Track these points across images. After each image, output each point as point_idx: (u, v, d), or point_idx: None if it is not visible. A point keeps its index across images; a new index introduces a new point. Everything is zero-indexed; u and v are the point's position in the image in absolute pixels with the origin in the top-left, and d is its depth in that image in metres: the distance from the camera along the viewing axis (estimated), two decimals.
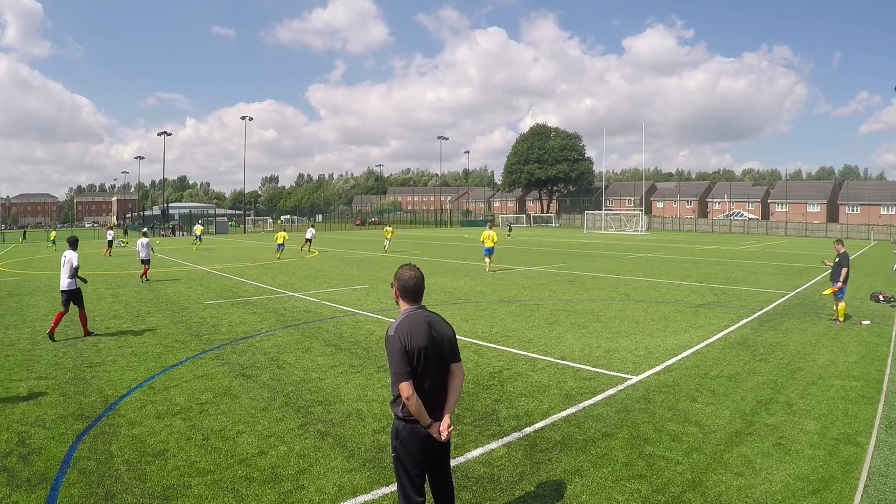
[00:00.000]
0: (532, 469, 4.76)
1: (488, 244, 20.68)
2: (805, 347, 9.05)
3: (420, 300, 3.35)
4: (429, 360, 3.17)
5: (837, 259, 11.37)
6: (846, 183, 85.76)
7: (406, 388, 3.08)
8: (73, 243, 10.32)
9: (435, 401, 3.21)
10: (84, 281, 10.34)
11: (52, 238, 43.01)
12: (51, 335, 9.62)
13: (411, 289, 3.30)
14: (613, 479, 4.56)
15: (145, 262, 18.59)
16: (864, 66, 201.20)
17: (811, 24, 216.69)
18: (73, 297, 9.99)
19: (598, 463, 4.86)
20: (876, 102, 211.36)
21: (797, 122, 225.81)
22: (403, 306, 3.34)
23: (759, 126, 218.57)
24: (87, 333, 10.07)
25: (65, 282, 9.99)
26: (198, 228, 41.52)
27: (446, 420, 3.20)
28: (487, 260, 20.68)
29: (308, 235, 32.17)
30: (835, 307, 11.37)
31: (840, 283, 11.12)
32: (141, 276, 18.23)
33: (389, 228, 32.80)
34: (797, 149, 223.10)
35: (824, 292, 12.38)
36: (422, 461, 3.23)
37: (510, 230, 61.80)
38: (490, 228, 21.56)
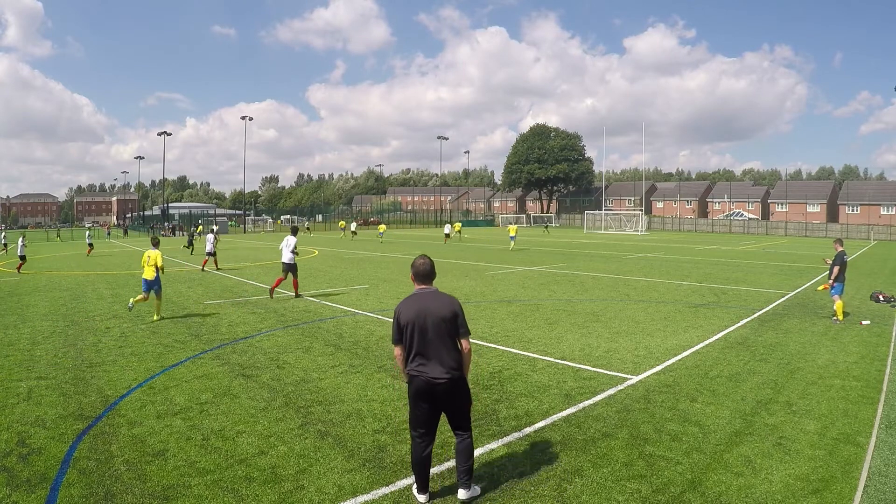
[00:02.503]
0: (532, 469, 4.76)
1: (512, 233, 33.99)
2: (805, 347, 9.05)
3: (428, 281, 4.28)
4: (415, 330, 4.11)
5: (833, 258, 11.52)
6: (846, 183, 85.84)
7: (394, 350, 4.26)
8: (295, 231, 14.91)
9: (425, 364, 4.11)
10: (296, 254, 14.23)
11: (199, 231, 46.27)
12: (271, 293, 14.04)
13: (419, 272, 4.26)
14: (613, 479, 4.56)
15: (211, 254, 22.04)
16: (864, 66, 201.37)
17: (813, 25, 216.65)
18: (290, 268, 14.01)
19: (598, 463, 4.86)
20: (877, 102, 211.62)
21: (798, 122, 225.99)
22: (415, 287, 4.30)
23: (759, 126, 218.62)
24: (297, 295, 14.14)
25: (286, 256, 14.02)
26: (381, 227, 48.18)
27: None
28: (512, 243, 33.36)
29: (446, 230, 41.66)
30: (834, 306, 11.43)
31: (831, 281, 11.29)
32: (203, 266, 21.59)
33: (458, 225, 45.94)
34: (798, 149, 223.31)
35: (819, 288, 12.58)
36: (415, 406, 4.20)
37: (546, 228, 66.29)
38: (514, 223, 36.23)
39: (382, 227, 48.09)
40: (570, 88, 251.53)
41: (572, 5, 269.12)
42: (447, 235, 41.58)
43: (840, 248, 11.57)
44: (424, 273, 4.25)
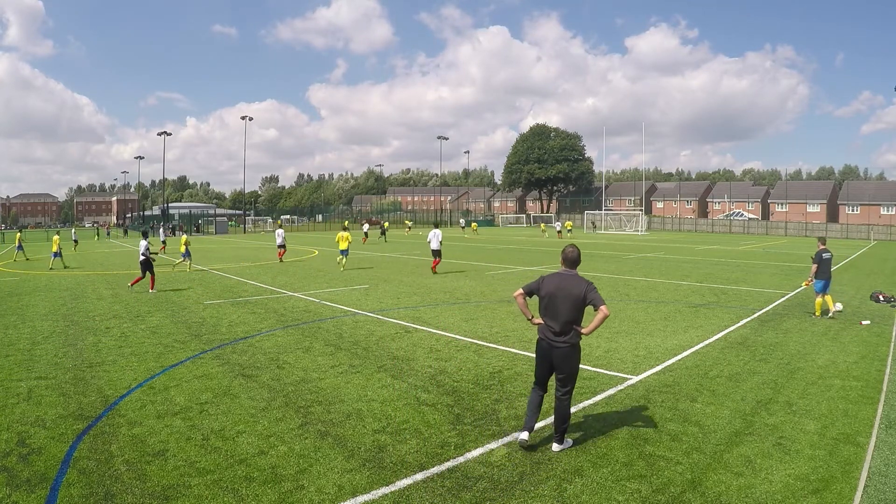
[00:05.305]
0: (532, 469, 4.76)
1: (568, 226, 47.84)
2: (805, 347, 9.05)
3: (572, 267, 5.22)
4: (548, 300, 5.12)
5: None
6: (846, 183, 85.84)
7: (519, 290, 5.37)
8: (437, 225, 19.93)
9: (551, 330, 5.09)
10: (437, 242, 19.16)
11: (366, 230, 45.08)
12: (433, 269, 19.02)
13: (567, 258, 5.24)
14: (613, 479, 4.56)
15: (281, 246, 24.21)
16: (866, 67, 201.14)
17: (815, 25, 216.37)
18: (437, 254, 19.01)
19: (598, 463, 4.86)
20: (878, 102, 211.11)
21: (799, 122, 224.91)
22: (560, 269, 5.29)
23: (760, 126, 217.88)
24: (434, 273, 18.79)
25: (435, 244, 18.92)
26: (474, 225, 60.08)
27: (586, 329, 5.07)
28: (569, 234, 44.43)
29: (557, 227, 50.57)
30: (828, 305, 11.61)
31: (810, 278, 11.96)
32: (280, 259, 24.11)
33: (570, 223, 53.92)
34: (799, 149, 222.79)
35: (802, 284, 13.16)
36: (540, 362, 5.23)
37: (594, 227, 68.66)
38: (569, 220, 50.36)
39: (475, 224, 61.85)
40: (571, 88, 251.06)
41: (574, 5, 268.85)
42: (559, 232, 48.57)
43: (822, 246, 12.02)
44: (571, 259, 5.21)
